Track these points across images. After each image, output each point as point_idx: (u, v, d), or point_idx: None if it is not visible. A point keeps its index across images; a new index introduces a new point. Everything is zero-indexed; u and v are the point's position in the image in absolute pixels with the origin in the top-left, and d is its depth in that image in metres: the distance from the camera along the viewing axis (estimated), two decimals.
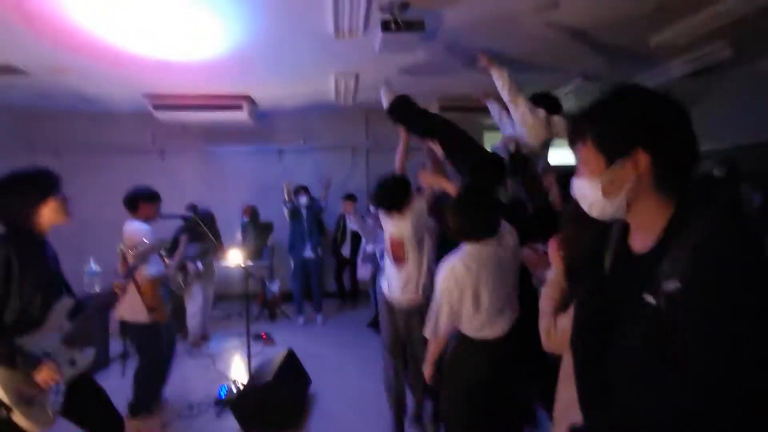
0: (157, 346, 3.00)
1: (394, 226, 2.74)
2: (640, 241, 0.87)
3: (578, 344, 0.98)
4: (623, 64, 4.13)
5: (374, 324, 4.69)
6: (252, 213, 5.59)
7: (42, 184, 1.80)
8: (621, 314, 0.85)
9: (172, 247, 3.81)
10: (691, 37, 3.30)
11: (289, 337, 4.69)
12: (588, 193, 0.88)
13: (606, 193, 0.85)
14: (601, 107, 0.88)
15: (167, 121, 5.20)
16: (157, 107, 4.88)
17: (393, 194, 2.69)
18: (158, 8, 2.70)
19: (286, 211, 5.31)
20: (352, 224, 5.21)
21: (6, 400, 1.60)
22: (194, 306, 4.43)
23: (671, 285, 0.71)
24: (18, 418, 1.62)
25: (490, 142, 6.70)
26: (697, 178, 0.83)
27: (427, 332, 2.01)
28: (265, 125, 6.09)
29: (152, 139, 6.02)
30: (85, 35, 3.07)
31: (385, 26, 2.80)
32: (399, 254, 2.71)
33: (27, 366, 1.63)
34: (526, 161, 3.00)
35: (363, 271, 5.22)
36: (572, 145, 0.92)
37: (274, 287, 5.57)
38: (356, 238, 5.54)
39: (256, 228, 5.55)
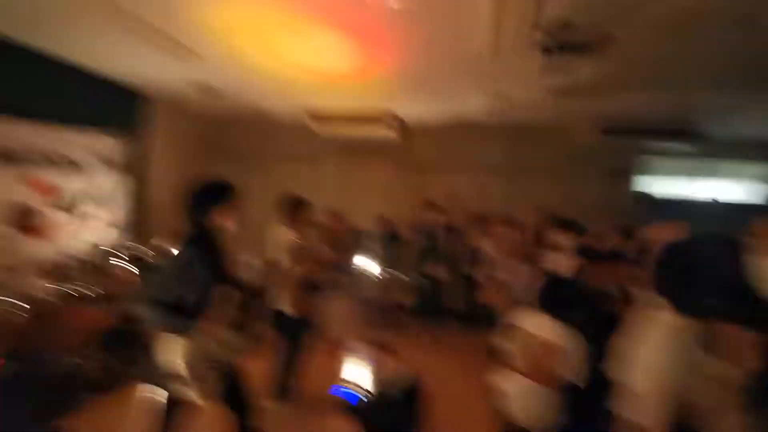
0: (299, 337, 3.31)
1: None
2: None
3: None
4: None
5: None
6: (388, 226, 5.80)
7: (222, 189, 2.15)
8: None
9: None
10: None
11: (413, 352, 4.71)
12: None
13: None
14: None
15: (321, 132, 5.74)
16: (314, 119, 5.42)
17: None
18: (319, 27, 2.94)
19: (416, 228, 5.36)
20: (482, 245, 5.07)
21: (184, 373, 1.89)
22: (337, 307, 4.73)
23: None
24: (188, 390, 1.90)
25: (650, 168, 5.91)
26: None
27: None
28: (408, 141, 6.31)
29: (307, 148, 6.68)
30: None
31: (546, 50, 2.66)
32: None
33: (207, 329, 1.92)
34: None
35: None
36: None
37: (403, 298, 5.68)
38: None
39: (390, 239, 5.73)
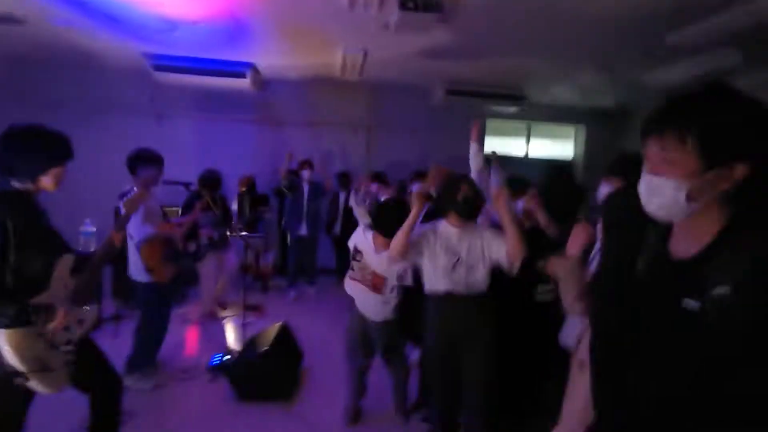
0: (157, 306, 3.04)
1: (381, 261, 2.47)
2: (684, 247, 0.85)
3: (600, 348, 1.00)
4: (636, 60, 4.13)
5: None
6: (249, 184, 5.54)
7: (62, 149, 1.76)
8: (654, 319, 0.86)
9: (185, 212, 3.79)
10: (706, 38, 3.30)
11: (281, 310, 4.74)
12: (667, 194, 0.81)
13: (691, 198, 0.78)
14: (708, 105, 0.78)
15: (167, 83, 5.09)
16: (157, 68, 4.77)
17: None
18: None
19: (282, 184, 5.22)
20: (353, 203, 5.23)
21: (23, 368, 1.59)
22: (208, 274, 4.42)
23: (721, 290, 0.73)
24: (35, 384, 1.63)
25: (493, 129, 6.73)
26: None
27: None
28: (267, 96, 6.00)
29: (150, 100, 5.86)
30: None
31: (403, 4, 2.76)
32: (379, 287, 2.51)
33: (45, 317, 1.63)
34: None
35: None
36: (657, 136, 0.82)
37: (268, 259, 5.59)
38: (348, 217, 5.43)
39: (252, 200, 5.52)
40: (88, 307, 1.89)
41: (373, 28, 3.55)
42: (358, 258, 2.59)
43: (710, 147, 0.76)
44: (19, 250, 1.60)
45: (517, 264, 1.98)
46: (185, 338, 3.99)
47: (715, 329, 0.74)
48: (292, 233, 5.30)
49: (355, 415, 2.78)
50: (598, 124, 6.79)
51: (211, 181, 4.21)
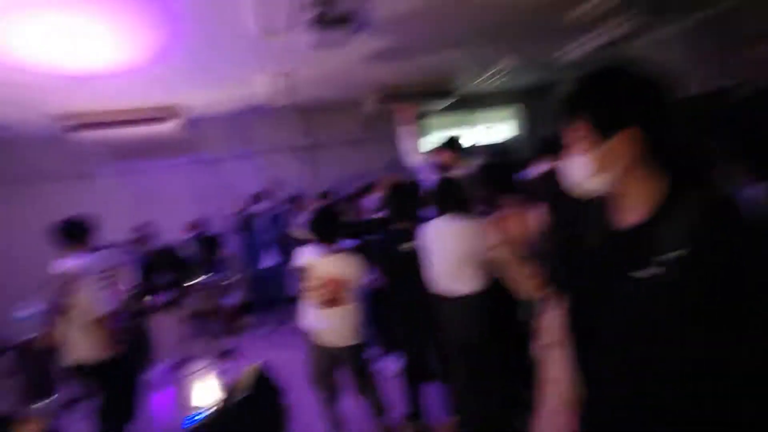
0: (119, 380, 2.84)
1: (332, 262, 2.48)
2: (628, 216, 0.91)
3: (575, 326, 1.03)
4: (543, 41, 4.35)
5: None
6: (197, 227, 5.34)
7: None
8: (612, 289, 0.89)
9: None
10: (599, 11, 3.54)
11: (257, 349, 4.58)
12: (581, 170, 0.91)
13: (600, 167, 0.88)
14: (594, 84, 0.90)
15: (87, 141, 4.80)
16: (70, 129, 4.48)
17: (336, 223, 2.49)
18: (62, 14, 2.48)
19: (235, 222, 5.09)
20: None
21: None
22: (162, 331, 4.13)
23: (675, 252, 0.77)
24: None
25: (433, 126, 6.86)
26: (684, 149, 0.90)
27: None
28: (197, 134, 5.79)
29: (72, 162, 5.52)
30: None
31: (314, 24, 2.76)
32: (338, 295, 2.47)
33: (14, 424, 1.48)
34: None
35: None
36: (565, 122, 0.94)
37: (232, 300, 5.38)
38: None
39: (203, 242, 5.31)
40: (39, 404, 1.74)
41: (290, 52, 3.53)
42: (305, 277, 2.55)
43: (600, 119, 0.87)
44: None
45: None
46: (152, 403, 3.75)
47: (674, 292, 0.78)
48: (251, 268, 5.16)
49: None
50: (535, 101, 7.07)
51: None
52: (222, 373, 3.67)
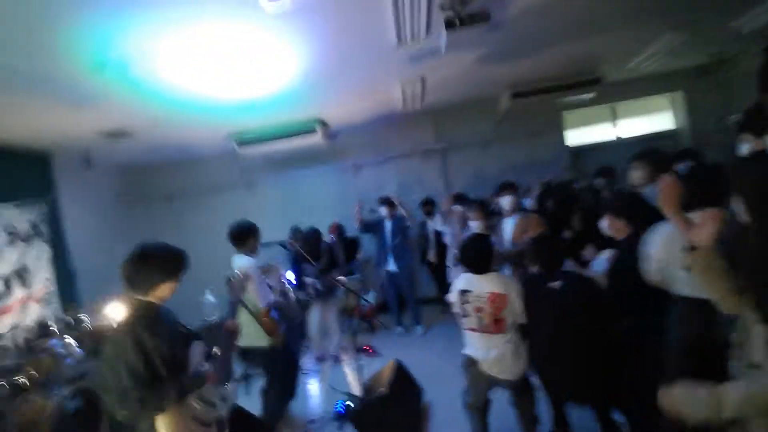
0: (279, 366, 3.19)
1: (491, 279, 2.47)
2: None
3: None
4: (708, 10, 3.65)
5: None
6: (339, 230, 5.75)
7: (175, 265, 1.91)
8: None
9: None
10: None
11: (391, 348, 4.74)
12: None
13: None
14: None
15: (250, 154, 5.61)
16: (240, 144, 5.28)
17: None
18: (231, 51, 2.94)
19: (366, 226, 5.35)
20: (436, 226, 5.24)
21: None
22: (313, 325, 4.55)
23: None
24: None
25: (570, 122, 6.31)
26: None
27: None
28: (339, 143, 6.31)
29: (240, 174, 6.55)
30: (179, 90, 3.42)
31: (449, 24, 2.75)
32: (500, 321, 2.41)
33: (198, 384, 1.81)
34: None
35: (455, 274, 5.11)
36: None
37: (369, 299, 5.68)
38: (439, 242, 5.38)
39: (344, 244, 5.71)
40: (228, 385, 2.04)
41: (425, 55, 3.58)
42: (467, 300, 2.51)
43: None
44: (160, 361, 1.74)
45: None
46: (306, 388, 4.14)
47: None
48: (382, 271, 5.38)
49: None
50: (697, 84, 6.02)
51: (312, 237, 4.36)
52: (361, 367, 3.90)
